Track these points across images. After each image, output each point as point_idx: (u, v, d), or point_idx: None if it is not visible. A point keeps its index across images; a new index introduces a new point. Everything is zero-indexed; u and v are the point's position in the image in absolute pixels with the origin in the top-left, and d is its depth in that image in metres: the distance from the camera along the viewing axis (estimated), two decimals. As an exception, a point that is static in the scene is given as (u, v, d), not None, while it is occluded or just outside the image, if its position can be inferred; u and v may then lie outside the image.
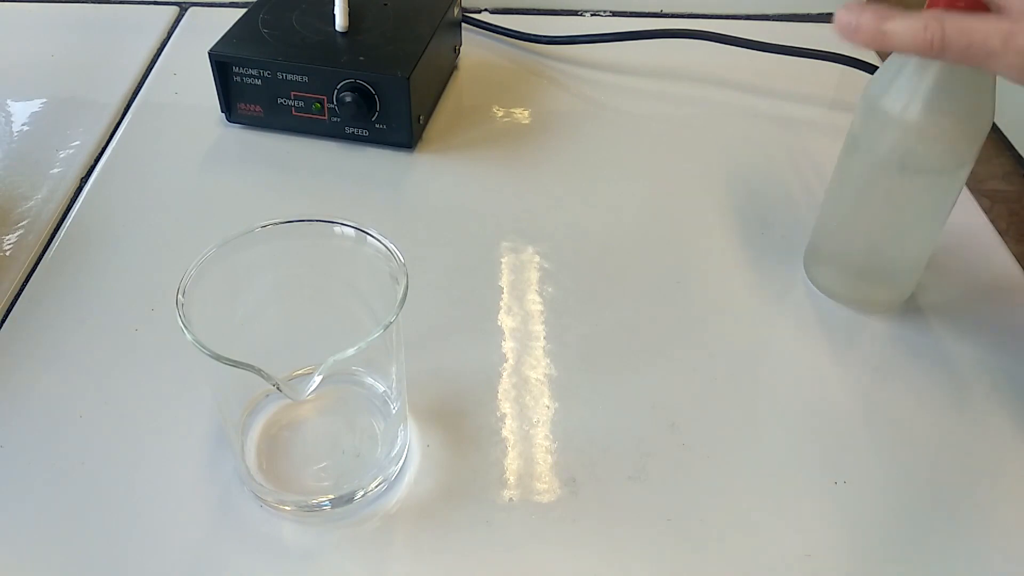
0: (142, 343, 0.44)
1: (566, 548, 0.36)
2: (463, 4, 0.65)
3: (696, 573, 0.35)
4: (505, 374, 0.43)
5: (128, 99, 0.61)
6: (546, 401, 0.42)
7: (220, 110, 0.57)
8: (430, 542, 0.36)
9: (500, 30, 0.68)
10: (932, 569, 0.36)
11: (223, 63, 0.55)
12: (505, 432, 0.40)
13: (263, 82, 0.55)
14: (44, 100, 0.61)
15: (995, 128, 1.94)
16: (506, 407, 0.41)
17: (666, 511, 0.37)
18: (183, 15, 0.71)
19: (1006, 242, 0.51)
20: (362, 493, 0.37)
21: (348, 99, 0.54)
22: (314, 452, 0.39)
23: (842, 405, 0.42)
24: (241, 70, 0.55)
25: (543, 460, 0.39)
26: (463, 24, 0.66)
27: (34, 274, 0.47)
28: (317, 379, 0.32)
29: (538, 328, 0.45)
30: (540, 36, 0.67)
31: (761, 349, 0.45)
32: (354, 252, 0.37)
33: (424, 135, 0.58)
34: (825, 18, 0.73)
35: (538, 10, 0.72)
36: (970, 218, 0.53)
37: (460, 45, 0.66)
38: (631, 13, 0.73)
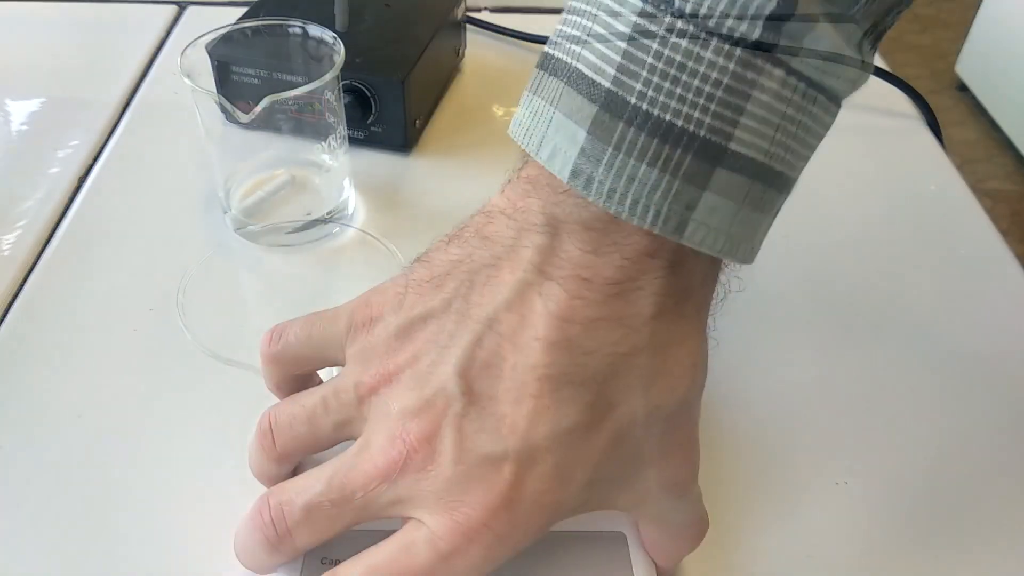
0: (142, 343, 0.44)
1: (566, 549, 0.36)
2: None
3: (696, 573, 0.35)
4: (505, 374, 0.43)
5: (127, 99, 0.61)
6: (546, 401, 0.41)
7: (219, 110, 0.57)
8: None
9: (502, 30, 0.68)
10: (933, 570, 0.36)
11: (223, 63, 0.55)
12: (505, 432, 0.40)
13: (261, 82, 0.55)
14: (43, 100, 0.61)
15: (996, 128, 1.94)
16: (506, 407, 0.41)
17: (666, 512, 0.37)
18: (182, 14, 0.71)
19: (1007, 242, 0.51)
20: None
21: (344, 101, 0.53)
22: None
23: (842, 404, 0.42)
24: (240, 70, 0.55)
25: (543, 460, 0.39)
26: (466, 24, 0.66)
27: (32, 274, 0.47)
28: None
29: (538, 328, 0.45)
30: (542, 36, 0.67)
31: (759, 348, 0.45)
32: (354, 252, 0.37)
33: (423, 137, 0.58)
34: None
35: (539, 9, 0.72)
36: (971, 218, 0.53)
37: (463, 47, 0.66)
38: (631, 13, 0.72)
